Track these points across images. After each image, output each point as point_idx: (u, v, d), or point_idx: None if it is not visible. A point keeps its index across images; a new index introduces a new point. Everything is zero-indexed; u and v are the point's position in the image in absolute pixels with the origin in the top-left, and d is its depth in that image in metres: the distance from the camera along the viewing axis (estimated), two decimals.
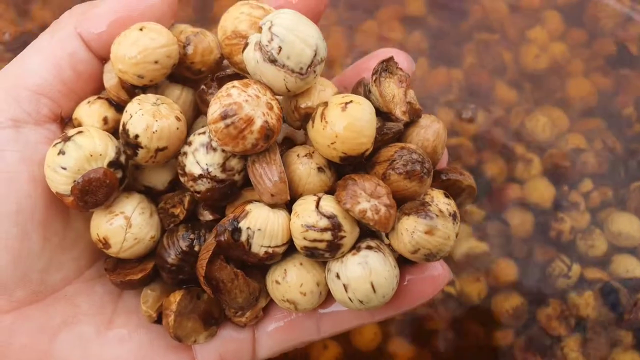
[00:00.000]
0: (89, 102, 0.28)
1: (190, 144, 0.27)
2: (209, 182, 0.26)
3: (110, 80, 0.28)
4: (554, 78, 0.47)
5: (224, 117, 0.25)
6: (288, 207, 0.27)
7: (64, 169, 0.25)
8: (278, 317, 0.29)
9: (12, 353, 0.27)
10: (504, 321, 0.41)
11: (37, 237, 0.26)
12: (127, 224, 0.27)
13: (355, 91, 0.29)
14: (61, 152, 0.25)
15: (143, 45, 0.26)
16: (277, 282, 0.28)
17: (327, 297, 0.28)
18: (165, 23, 0.28)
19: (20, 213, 0.26)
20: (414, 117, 0.28)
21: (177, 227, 0.28)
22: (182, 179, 0.27)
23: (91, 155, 0.25)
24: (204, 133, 0.27)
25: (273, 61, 0.25)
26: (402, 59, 0.30)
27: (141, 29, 0.27)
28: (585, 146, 0.45)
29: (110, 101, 0.28)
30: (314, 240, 0.26)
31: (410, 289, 0.28)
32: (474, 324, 0.41)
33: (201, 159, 0.26)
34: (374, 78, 0.28)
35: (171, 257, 0.27)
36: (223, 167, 0.26)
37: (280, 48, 0.25)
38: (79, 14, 0.28)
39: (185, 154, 0.27)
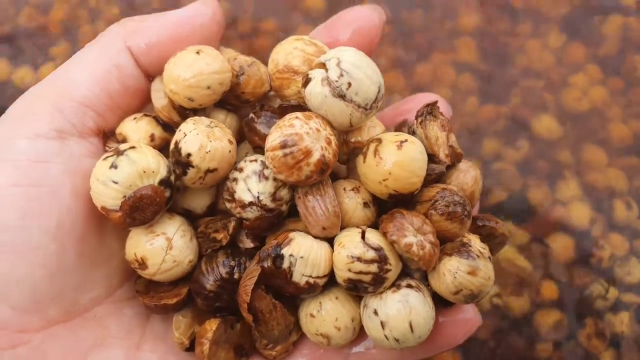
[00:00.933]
0: (135, 118, 0.28)
1: (241, 170, 0.27)
2: (258, 210, 0.26)
3: (160, 99, 0.28)
4: (595, 119, 0.51)
5: (284, 146, 0.25)
6: (328, 240, 0.27)
7: (115, 182, 0.25)
8: (305, 352, 0.29)
9: None
10: (544, 334, 0.44)
11: (73, 253, 0.25)
12: (168, 246, 0.26)
13: (398, 131, 0.30)
14: (113, 166, 0.25)
15: (198, 69, 0.26)
16: (311, 315, 0.27)
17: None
18: (214, 43, 0.28)
19: (60, 227, 0.25)
20: (455, 160, 0.29)
21: (216, 253, 0.27)
22: (228, 205, 0.27)
23: (144, 172, 0.25)
24: (255, 161, 0.27)
25: (342, 96, 0.25)
26: (442, 104, 0.31)
27: (198, 52, 0.27)
28: (624, 180, 0.49)
29: (157, 119, 0.28)
30: (360, 272, 0.26)
31: (442, 331, 0.28)
32: (516, 335, 0.44)
33: (253, 187, 0.26)
34: (419, 120, 0.29)
35: (210, 283, 0.26)
36: (273, 197, 0.26)
37: (349, 84, 0.25)
38: (128, 27, 0.28)
39: (235, 180, 0.27)
